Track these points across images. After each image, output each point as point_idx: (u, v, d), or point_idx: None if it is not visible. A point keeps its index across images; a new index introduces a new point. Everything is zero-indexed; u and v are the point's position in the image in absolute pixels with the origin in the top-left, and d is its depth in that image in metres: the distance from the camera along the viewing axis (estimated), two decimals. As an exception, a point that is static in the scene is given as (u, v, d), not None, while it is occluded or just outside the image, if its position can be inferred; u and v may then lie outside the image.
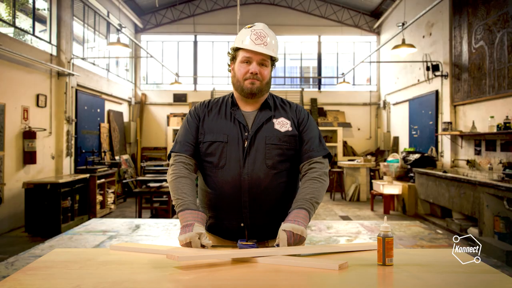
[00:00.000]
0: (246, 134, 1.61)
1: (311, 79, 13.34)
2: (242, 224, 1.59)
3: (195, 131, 1.66)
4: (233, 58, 1.66)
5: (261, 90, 1.63)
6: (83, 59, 8.57)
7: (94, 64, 9.24)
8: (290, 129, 1.64)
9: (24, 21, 7.26)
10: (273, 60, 1.66)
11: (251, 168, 1.57)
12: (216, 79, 12.37)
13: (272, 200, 1.60)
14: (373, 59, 11.95)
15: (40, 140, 6.87)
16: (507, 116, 5.61)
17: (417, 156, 7.62)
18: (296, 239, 1.44)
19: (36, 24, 7.11)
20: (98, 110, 9.27)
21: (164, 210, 6.85)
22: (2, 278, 3.23)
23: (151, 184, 6.80)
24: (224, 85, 12.18)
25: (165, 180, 7.05)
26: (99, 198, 7.30)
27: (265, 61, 1.61)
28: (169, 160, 1.71)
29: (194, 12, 12.06)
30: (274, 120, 1.65)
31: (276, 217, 1.62)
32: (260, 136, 1.61)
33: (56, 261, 1.39)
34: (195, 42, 12.35)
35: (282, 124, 1.64)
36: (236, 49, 1.64)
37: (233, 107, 1.67)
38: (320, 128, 11.32)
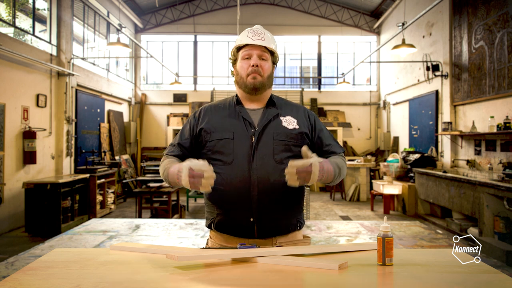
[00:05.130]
0: (252, 130, 1.65)
1: (311, 79, 13.35)
2: (251, 219, 1.61)
3: (187, 135, 1.73)
4: (235, 61, 1.74)
5: (264, 84, 1.68)
6: (83, 59, 8.57)
7: (94, 64, 9.24)
8: (297, 127, 1.69)
9: (24, 21, 7.26)
10: (273, 56, 1.72)
11: (260, 163, 1.61)
12: (216, 79, 12.37)
13: (280, 194, 1.62)
14: (373, 59, 11.96)
15: (40, 140, 6.87)
16: (507, 116, 5.61)
17: (417, 156, 7.62)
18: (303, 175, 1.43)
19: (36, 24, 7.11)
20: (98, 110, 9.27)
21: (164, 210, 6.85)
22: (2, 278, 3.23)
23: (151, 184, 6.80)
24: (224, 85, 12.19)
25: (165, 180, 7.04)
26: (99, 198, 7.30)
27: (264, 55, 1.68)
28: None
29: (194, 12, 12.06)
30: (281, 118, 1.70)
31: (284, 212, 1.65)
32: (268, 132, 1.65)
33: (56, 261, 1.39)
34: (195, 42, 12.36)
35: (289, 122, 1.70)
36: (237, 51, 1.72)
37: (237, 105, 1.72)
38: (320, 128, 11.34)
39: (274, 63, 1.74)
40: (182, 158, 1.71)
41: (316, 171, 1.45)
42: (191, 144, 1.72)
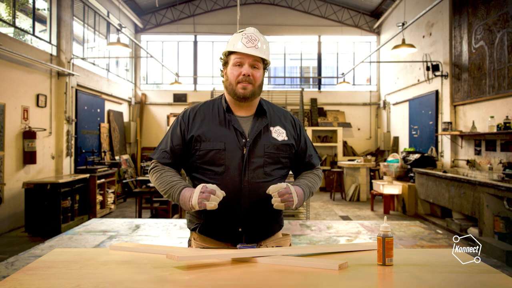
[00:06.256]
0: (244, 141, 1.62)
1: (311, 79, 13.34)
2: (240, 229, 1.61)
3: (179, 140, 1.68)
4: (225, 63, 1.69)
5: (254, 93, 1.65)
6: (83, 59, 8.57)
7: (94, 64, 9.24)
8: (286, 138, 1.69)
9: (24, 21, 7.26)
10: (265, 63, 1.68)
11: (251, 175, 1.60)
12: (216, 79, 12.36)
13: (268, 205, 1.62)
14: (373, 59, 11.95)
15: (40, 140, 6.87)
16: (507, 116, 5.61)
17: (417, 156, 7.62)
18: (285, 197, 1.53)
19: (36, 24, 7.11)
20: (98, 110, 9.27)
21: (164, 210, 6.85)
22: (2, 278, 3.23)
23: (151, 184, 6.80)
24: (224, 85, 12.16)
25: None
26: (99, 198, 7.30)
27: (257, 63, 1.63)
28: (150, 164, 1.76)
29: (194, 12, 12.06)
30: (271, 129, 1.69)
31: (270, 220, 1.68)
32: (259, 144, 1.64)
33: (56, 261, 1.39)
34: (195, 42, 12.36)
35: (279, 133, 1.69)
36: (228, 54, 1.67)
37: (227, 113, 1.67)
38: (320, 128, 11.38)
39: (265, 68, 1.71)
40: (173, 166, 1.69)
41: (294, 191, 1.54)
42: (183, 151, 1.68)
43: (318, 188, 1.80)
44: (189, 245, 1.74)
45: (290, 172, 1.86)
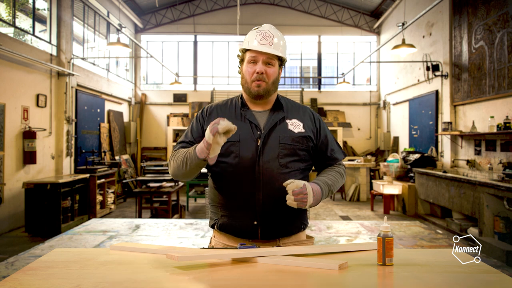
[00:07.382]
0: (258, 133, 1.64)
1: (311, 79, 13.34)
2: (255, 222, 1.60)
3: (197, 133, 1.71)
4: (242, 61, 1.71)
5: (268, 91, 1.66)
6: (83, 59, 8.57)
7: (94, 64, 9.24)
8: (303, 130, 1.69)
9: (24, 21, 7.26)
10: (281, 60, 1.69)
11: (265, 167, 1.60)
12: (216, 79, 12.37)
13: (284, 197, 1.62)
14: (373, 59, 11.96)
15: (40, 140, 6.87)
16: (507, 116, 5.61)
17: (417, 156, 7.62)
18: (299, 197, 1.48)
19: (36, 24, 7.10)
20: (98, 110, 9.27)
21: (164, 210, 6.85)
22: (2, 278, 3.23)
23: (151, 184, 6.80)
24: (224, 85, 12.19)
25: (165, 180, 7.05)
26: (99, 198, 7.30)
27: (271, 61, 1.64)
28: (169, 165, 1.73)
29: (194, 12, 12.06)
30: (288, 121, 1.69)
31: (288, 215, 1.65)
32: (274, 135, 1.64)
33: (56, 261, 1.39)
34: (195, 42, 12.36)
35: (295, 125, 1.69)
36: (244, 51, 1.68)
37: (243, 108, 1.70)
38: (320, 128, 11.36)
39: (282, 64, 1.71)
40: None
41: (310, 191, 1.50)
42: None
43: (341, 184, 1.73)
44: (210, 242, 1.77)
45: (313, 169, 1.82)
